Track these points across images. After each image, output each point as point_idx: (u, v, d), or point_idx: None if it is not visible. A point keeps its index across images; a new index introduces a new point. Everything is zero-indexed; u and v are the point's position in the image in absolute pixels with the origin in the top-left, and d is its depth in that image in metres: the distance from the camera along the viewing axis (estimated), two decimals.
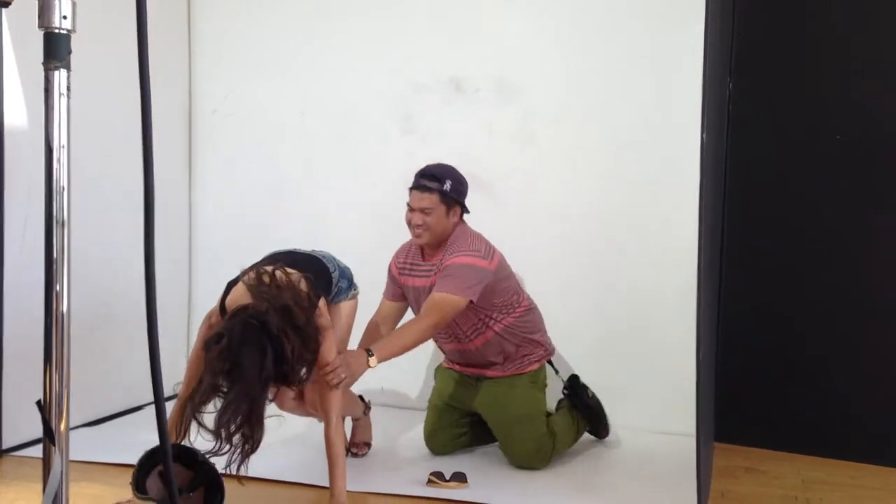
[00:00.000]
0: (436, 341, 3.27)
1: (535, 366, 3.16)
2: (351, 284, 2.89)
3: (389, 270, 3.24)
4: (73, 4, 1.31)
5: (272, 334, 2.26)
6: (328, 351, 2.52)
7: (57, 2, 1.29)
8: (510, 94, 3.73)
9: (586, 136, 3.64)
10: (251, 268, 2.53)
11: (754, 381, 3.39)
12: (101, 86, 3.28)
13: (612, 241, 3.63)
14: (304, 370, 2.42)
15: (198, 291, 4.21)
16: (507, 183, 3.68)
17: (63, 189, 1.36)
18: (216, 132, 4.14)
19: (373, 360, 2.72)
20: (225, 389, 2.23)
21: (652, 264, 3.56)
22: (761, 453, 3.30)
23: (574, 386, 3.31)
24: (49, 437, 1.33)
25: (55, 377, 1.33)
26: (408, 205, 3.04)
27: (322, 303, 2.56)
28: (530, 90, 3.71)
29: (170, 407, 3.30)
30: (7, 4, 1.31)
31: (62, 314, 1.33)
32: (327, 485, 2.67)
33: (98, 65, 3.22)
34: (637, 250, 3.59)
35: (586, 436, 3.37)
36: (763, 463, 3.20)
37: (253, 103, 4.06)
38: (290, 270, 2.49)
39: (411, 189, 3.04)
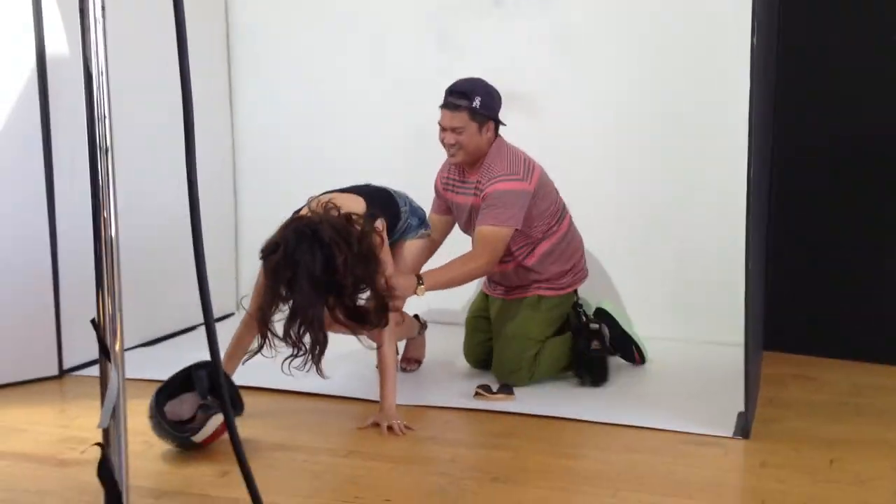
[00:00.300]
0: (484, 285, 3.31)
1: (547, 293, 3.12)
2: (422, 224, 2.99)
3: (435, 186, 3.26)
4: None
5: (323, 242, 2.38)
6: (382, 273, 2.56)
7: None
8: (546, 4, 3.61)
9: (626, 45, 3.55)
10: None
11: (804, 289, 3.36)
12: (134, 13, 3.25)
13: (657, 151, 3.56)
14: (357, 289, 2.49)
15: (244, 213, 4.25)
16: (545, 97, 3.60)
17: (105, 116, 1.36)
18: (255, 54, 4.11)
19: (420, 289, 2.82)
20: (286, 296, 2.41)
21: (698, 174, 3.50)
22: (811, 360, 3.28)
23: (586, 332, 3.10)
24: (105, 354, 1.37)
25: (107, 300, 1.36)
26: (439, 124, 3.00)
27: (381, 225, 2.63)
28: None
29: (220, 327, 3.37)
30: None
31: (111, 239, 1.35)
32: (377, 398, 2.74)
33: None
34: (683, 160, 3.53)
35: None
36: (812, 370, 3.18)
37: (290, 24, 4.00)
38: (350, 196, 2.67)
39: (441, 107, 2.99)
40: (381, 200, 2.79)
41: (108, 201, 1.36)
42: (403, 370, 3.25)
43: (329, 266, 2.38)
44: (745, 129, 2.39)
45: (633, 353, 3.26)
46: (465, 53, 3.70)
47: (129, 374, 1.41)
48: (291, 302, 2.42)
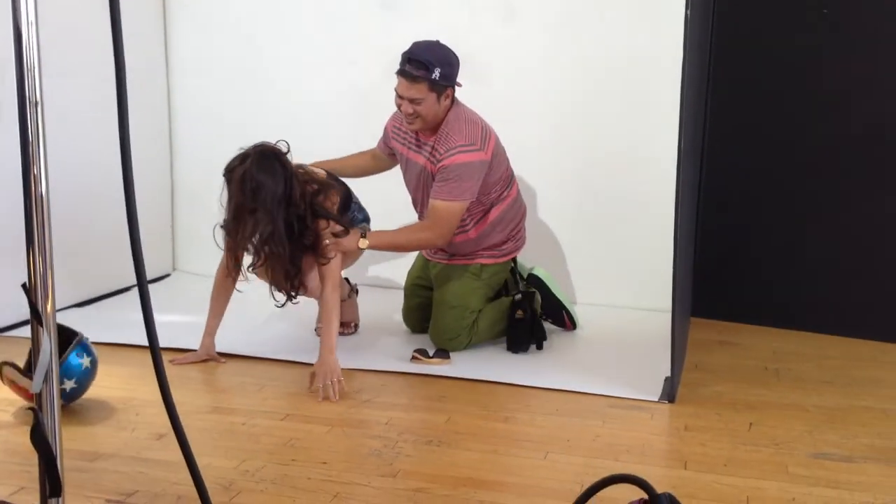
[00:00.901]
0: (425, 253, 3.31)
1: (488, 261, 3.16)
2: (364, 220, 3.10)
3: (385, 128, 3.23)
4: None
5: (286, 167, 2.71)
6: (330, 227, 2.82)
7: None
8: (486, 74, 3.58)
9: (570, 10, 3.57)
10: None
11: (731, 258, 3.47)
12: None
13: (595, 118, 3.61)
14: (306, 222, 2.75)
15: (180, 174, 4.18)
16: (489, 59, 3.61)
17: (34, 67, 1.33)
18: (193, 9, 4.01)
19: (363, 242, 2.86)
20: (251, 209, 2.66)
21: (634, 142, 3.57)
22: (735, 327, 3.41)
23: (528, 296, 3.16)
24: (36, 317, 1.35)
25: (38, 259, 1.34)
26: (396, 91, 2.93)
27: (335, 195, 2.88)
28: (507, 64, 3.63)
29: (155, 288, 3.36)
30: None
31: (41, 196, 1.32)
32: (314, 361, 2.75)
33: None
34: (619, 128, 3.59)
35: None
36: (736, 336, 3.31)
37: None
38: (314, 167, 2.95)
39: (398, 74, 2.90)
40: (339, 182, 3.02)
41: (38, 157, 1.33)
42: (341, 334, 3.26)
43: (287, 187, 2.68)
44: (678, 103, 2.45)
45: (563, 318, 3.32)
46: (409, 14, 3.68)
47: None
48: (255, 216, 2.66)
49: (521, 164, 3.36)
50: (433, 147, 2.99)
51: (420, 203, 3.13)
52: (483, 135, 2.99)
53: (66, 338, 2.47)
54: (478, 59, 3.46)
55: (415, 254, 3.41)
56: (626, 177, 3.60)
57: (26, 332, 3.14)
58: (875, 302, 3.26)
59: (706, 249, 3.45)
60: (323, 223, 2.80)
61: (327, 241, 2.81)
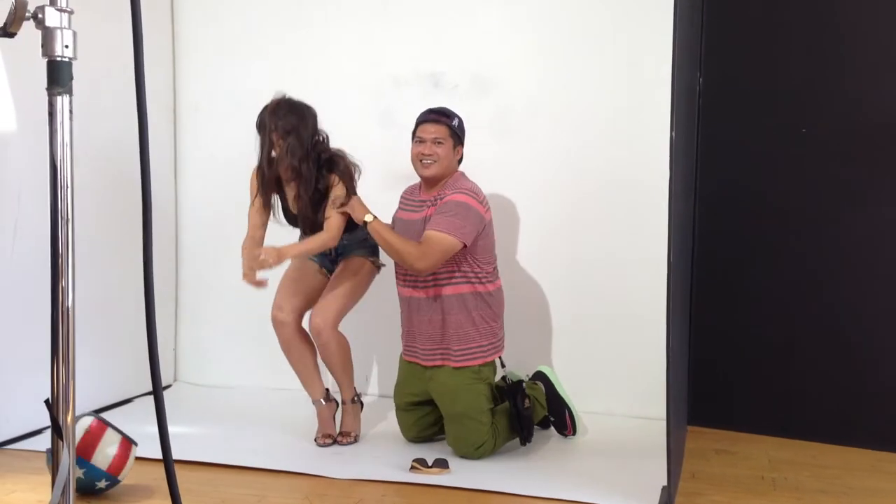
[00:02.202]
0: (396, 278, 3.28)
1: (480, 361, 3.15)
2: (373, 252, 3.37)
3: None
4: (74, 34, 1.39)
5: (313, 112, 3.21)
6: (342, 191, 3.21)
7: (59, 32, 1.37)
8: (486, 89, 3.82)
9: (559, 128, 3.74)
10: None
11: (728, 366, 3.52)
12: (94, 87, 3.33)
13: (585, 229, 3.73)
14: (321, 173, 3.18)
15: (184, 289, 4.27)
16: (482, 173, 3.74)
17: (67, 186, 1.43)
18: (199, 127, 4.19)
19: (369, 216, 3.09)
20: (287, 130, 3.11)
21: (624, 251, 3.67)
22: (733, 435, 3.43)
23: (511, 389, 3.19)
24: (57, 432, 1.40)
25: (62, 371, 1.40)
26: (414, 139, 3.15)
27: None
28: (506, 85, 3.80)
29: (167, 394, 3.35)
30: (12, 35, 1.38)
31: (68, 309, 1.41)
32: (318, 473, 2.75)
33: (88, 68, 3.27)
34: (610, 238, 3.69)
35: None
36: (733, 444, 3.33)
37: (234, 98, 4.10)
38: None
39: (420, 123, 3.16)
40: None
41: (66, 270, 1.42)
42: (339, 443, 3.28)
43: (314, 122, 3.20)
44: (667, 202, 2.55)
45: (566, 420, 3.37)
46: (406, 131, 3.85)
47: None
48: (289, 138, 3.11)
49: (510, 272, 3.44)
50: (437, 196, 3.12)
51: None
52: (485, 199, 3.15)
53: None
54: (471, 173, 3.62)
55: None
56: (618, 289, 3.68)
57: (26, 445, 3.17)
58: (871, 410, 3.29)
59: (705, 356, 3.51)
60: (335, 179, 3.18)
61: (338, 196, 3.14)
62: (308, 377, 3.33)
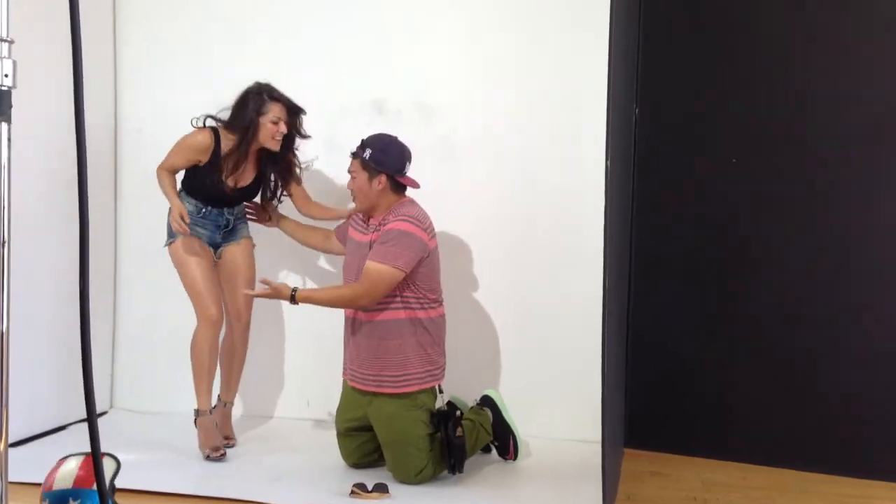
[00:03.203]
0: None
1: (416, 387, 3.16)
2: None
3: (348, 217, 3.49)
4: (14, 63, 1.40)
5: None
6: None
7: None
8: (430, 115, 3.87)
9: (503, 153, 3.82)
10: None
11: (662, 388, 3.61)
12: (33, 107, 3.29)
13: (524, 252, 3.79)
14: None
15: (122, 317, 4.22)
16: (426, 198, 3.78)
17: (5, 208, 1.43)
18: (141, 151, 4.16)
19: (292, 291, 3.11)
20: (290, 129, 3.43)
21: (562, 274, 3.74)
22: (668, 458, 3.51)
23: (444, 416, 3.18)
24: None
25: None
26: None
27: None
28: (449, 110, 3.87)
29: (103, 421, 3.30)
30: None
31: (2, 333, 1.40)
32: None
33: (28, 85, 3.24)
34: (547, 261, 3.77)
35: None
36: (667, 466, 3.40)
37: (177, 122, 4.07)
38: None
39: None
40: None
41: (1, 294, 1.42)
42: (228, 447, 3.45)
43: None
44: (602, 240, 2.62)
45: (509, 445, 3.41)
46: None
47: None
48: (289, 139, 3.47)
49: (451, 294, 3.47)
50: (381, 221, 3.17)
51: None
52: (430, 226, 3.18)
53: None
54: (415, 196, 3.66)
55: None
56: (556, 311, 3.75)
57: None
58: (797, 431, 3.40)
59: (641, 379, 3.59)
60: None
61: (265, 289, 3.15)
62: (212, 381, 3.48)
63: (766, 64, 3.40)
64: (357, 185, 3.20)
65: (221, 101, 3.73)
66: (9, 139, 1.41)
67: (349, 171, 3.24)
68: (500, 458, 3.45)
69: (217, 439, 3.39)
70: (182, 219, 3.27)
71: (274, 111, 3.34)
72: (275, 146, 3.38)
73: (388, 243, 3.07)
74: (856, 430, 3.31)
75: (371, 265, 3.07)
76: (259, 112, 3.33)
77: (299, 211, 3.63)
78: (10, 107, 1.40)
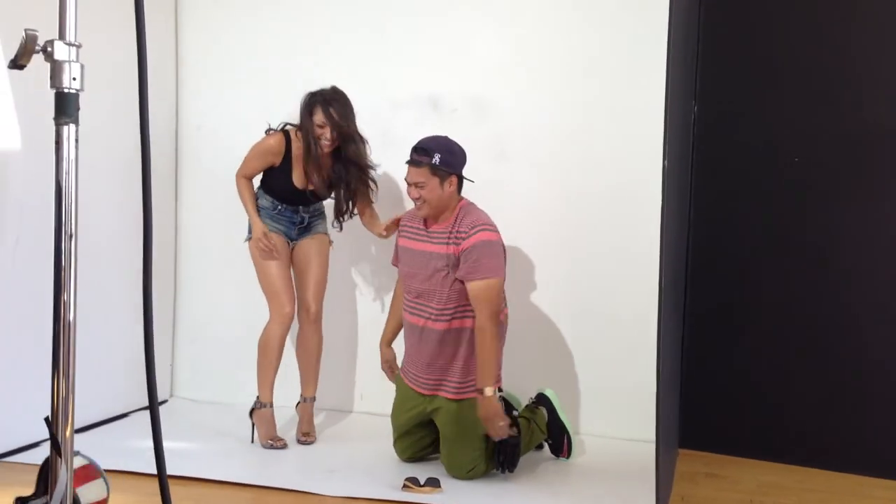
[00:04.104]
0: (405, 306, 3.31)
1: (474, 394, 3.12)
2: None
3: (395, 242, 3.42)
4: (82, 67, 1.44)
5: None
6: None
7: (67, 65, 1.42)
8: (484, 113, 3.87)
9: (557, 152, 3.79)
10: None
11: (720, 389, 3.55)
12: (99, 107, 3.38)
13: (579, 253, 3.77)
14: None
15: (182, 310, 4.30)
16: (480, 197, 3.79)
17: (72, 201, 1.48)
18: (201, 148, 4.24)
19: (489, 391, 3.03)
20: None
21: (617, 275, 3.71)
22: (723, 459, 3.46)
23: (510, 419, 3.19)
24: (56, 449, 1.42)
25: (62, 385, 1.44)
26: (405, 180, 3.20)
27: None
28: (504, 109, 3.86)
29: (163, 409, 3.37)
30: (22, 67, 1.42)
31: (69, 323, 1.45)
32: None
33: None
34: (602, 261, 3.74)
35: None
36: (723, 468, 3.35)
37: (237, 119, 4.14)
38: None
39: (407, 164, 3.17)
40: None
41: (68, 285, 1.46)
42: (271, 447, 3.44)
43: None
44: (658, 243, 2.59)
45: (563, 443, 3.40)
46: (406, 150, 3.91)
47: None
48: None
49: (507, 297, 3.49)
50: (451, 231, 3.14)
51: (427, 294, 3.18)
52: (496, 227, 3.17)
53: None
54: (467, 196, 3.67)
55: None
56: (612, 312, 3.72)
57: (23, 458, 3.19)
58: (854, 435, 3.32)
59: (697, 380, 3.54)
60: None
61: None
62: (275, 375, 3.52)
63: (827, 60, 3.32)
64: (428, 192, 3.11)
65: (277, 98, 3.81)
66: (76, 140, 1.45)
67: (412, 182, 3.14)
68: (552, 456, 3.44)
69: (274, 430, 3.46)
70: (263, 237, 3.42)
71: (318, 116, 3.37)
72: (325, 149, 3.41)
73: (483, 257, 3.06)
74: None
75: (478, 285, 3.06)
76: (309, 115, 3.39)
77: (366, 228, 3.62)
78: (78, 109, 1.44)
